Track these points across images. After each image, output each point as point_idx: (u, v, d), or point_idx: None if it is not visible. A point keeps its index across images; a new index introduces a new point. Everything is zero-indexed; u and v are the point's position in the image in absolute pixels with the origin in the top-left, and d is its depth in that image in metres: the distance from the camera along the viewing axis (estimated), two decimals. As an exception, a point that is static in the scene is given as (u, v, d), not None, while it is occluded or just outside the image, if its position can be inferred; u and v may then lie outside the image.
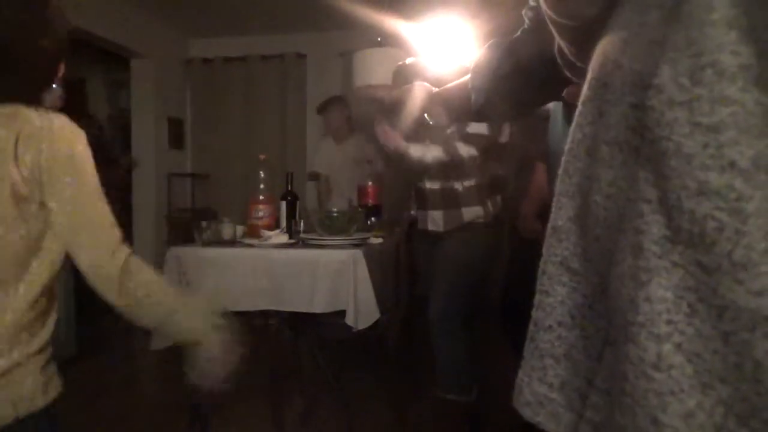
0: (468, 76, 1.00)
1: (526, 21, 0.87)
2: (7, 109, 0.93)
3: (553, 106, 1.35)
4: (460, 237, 2.42)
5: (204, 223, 2.50)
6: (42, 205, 0.92)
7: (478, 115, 1.03)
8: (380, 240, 2.54)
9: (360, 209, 2.84)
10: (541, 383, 0.57)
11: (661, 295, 0.46)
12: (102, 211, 0.99)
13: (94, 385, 2.98)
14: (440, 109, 1.16)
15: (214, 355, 1.08)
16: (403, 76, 1.31)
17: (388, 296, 2.34)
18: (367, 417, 2.55)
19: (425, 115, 1.20)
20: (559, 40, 0.68)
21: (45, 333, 0.97)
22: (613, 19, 0.56)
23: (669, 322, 0.45)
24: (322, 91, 4.93)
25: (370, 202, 2.94)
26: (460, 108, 1.05)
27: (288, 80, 5.24)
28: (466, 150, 2.36)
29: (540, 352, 0.58)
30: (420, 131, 2.41)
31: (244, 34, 5.22)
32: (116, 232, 1.00)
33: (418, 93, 1.17)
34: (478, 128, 2.35)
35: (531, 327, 0.60)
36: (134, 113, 5.03)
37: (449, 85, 1.11)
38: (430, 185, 2.48)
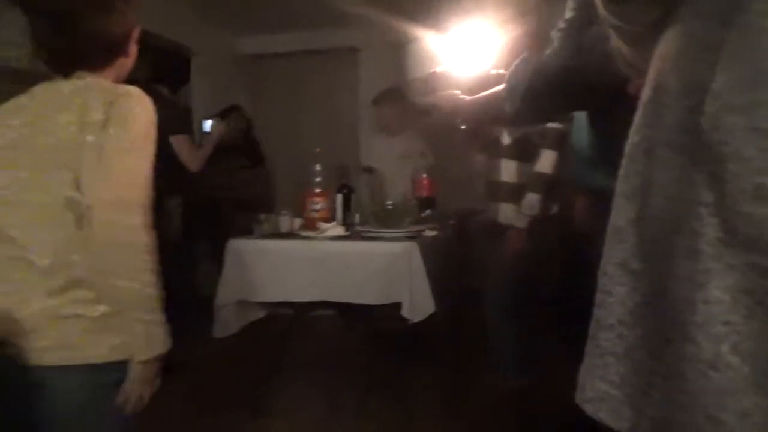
0: (500, 87, 1.11)
1: (555, 41, 0.93)
2: (82, 81, 1.04)
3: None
4: (529, 229, 2.43)
5: (262, 216, 2.57)
6: None
7: (512, 122, 1.15)
8: (434, 232, 2.55)
9: (414, 201, 2.85)
10: (602, 380, 0.59)
11: (718, 297, 0.47)
12: (127, 166, 1.01)
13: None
14: (471, 116, 1.25)
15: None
16: (434, 84, 1.38)
17: (442, 288, 2.35)
18: (421, 409, 2.57)
19: (458, 121, 1.29)
20: (617, 44, 0.68)
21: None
22: (672, 24, 0.56)
23: (726, 323, 0.46)
24: (375, 84, 4.96)
25: (425, 194, 2.94)
26: (492, 115, 1.16)
27: (340, 74, 5.29)
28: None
29: (601, 350, 0.60)
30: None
31: (296, 30, 5.29)
32: (135, 193, 1.01)
33: (450, 101, 1.25)
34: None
35: (592, 325, 0.62)
36: (195, 109, 5.20)
37: (481, 94, 1.20)
38: (506, 177, 2.48)
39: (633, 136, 0.59)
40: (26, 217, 1.01)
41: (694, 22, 0.53)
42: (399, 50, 4.75)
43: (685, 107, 0.51)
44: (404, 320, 2.18)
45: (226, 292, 2.40)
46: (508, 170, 2.51)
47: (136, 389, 1.05)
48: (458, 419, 2.48)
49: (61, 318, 0.99)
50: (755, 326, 0.45)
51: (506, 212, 2.50)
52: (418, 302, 2.17)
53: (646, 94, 0.58)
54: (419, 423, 2.44)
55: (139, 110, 1.04)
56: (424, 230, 2.52)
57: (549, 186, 2.43)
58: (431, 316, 2.19)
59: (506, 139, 2.48)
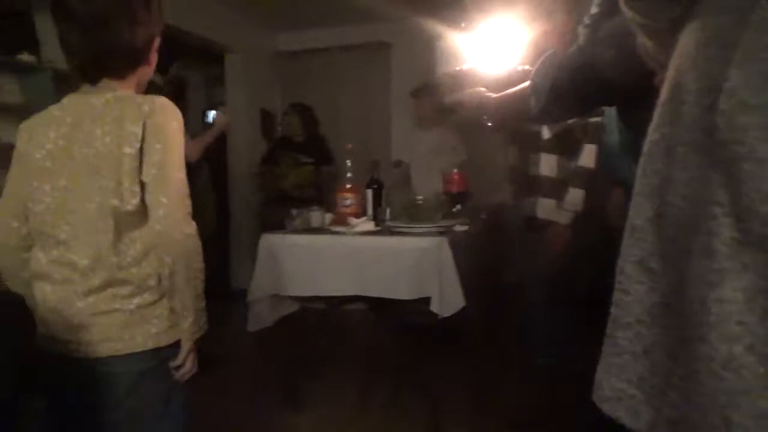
0: (525, 84, 1.11)
1: (581, 38, 0.93)
2: (115, 92, 1.13)
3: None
4: (571, 225, 2.43)
5: (294, 212, 2.60)
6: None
7: (538, 119, 1.15)
8: (465, 227, 2.54)
9: (445, 197, 2.84)
10: (619, 379, 0.58)
11: (732, 297, 0.46)
12: (180, 181, 1.12)
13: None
14: (497, 114, 1.25)
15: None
16: (460, 81, 1.38)
17: (473, 284, 2.34)
18: (450, 403, 2.57)
19: (484, 119, 1.29)
20: (642, 39, 0.68)
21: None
22: (691, 20, 0.55)
23: (740, 323, 0.45)
24: (407, 79, 4.94)
25: (455, 189, 2.93)
26: (518, 112, 1.15)
27: (372, 70, 5.30)
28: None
29: (619, 348, 0.59)
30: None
31: (329, 26, 5.32)
32: (188, 203, 1.13)
33: (475, 99, 1.25)
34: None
35: (609, 324, 0.62)
36: (229, 107, 5.28)
37: (507, 91, 1.21)
38: (546, 172, 2.46)
39: (652, 134, 0.58)
40: (67, 222, 1.09)
41: (712, 19, 0.52)
42: (430, 45, 4.73)
43: (703, 105, 0.50)
44: (434, 315, 2.18)
45: (259, 287, 2.44)
46: (548, 165, 2.48)
47: (187, 364, 1.18)
48: (488, 415, 2.48)
49: (102, 313, 1.08)
50: None
51: (546, 207, 2.47)
52: (447, 297, 2.17)
53: (665, 91, 0.58)
54: (449, 417, 2.44)
55: (176, 124, 1.13)
56: (454, 225, 2.51)
57: (591, 181, 2.40)
58: (461, 310, 2.19)
59: (546, 134, 2.45)
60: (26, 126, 1.18)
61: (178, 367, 1.17)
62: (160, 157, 1.08)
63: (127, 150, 1.06)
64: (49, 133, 1.12)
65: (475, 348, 2.66)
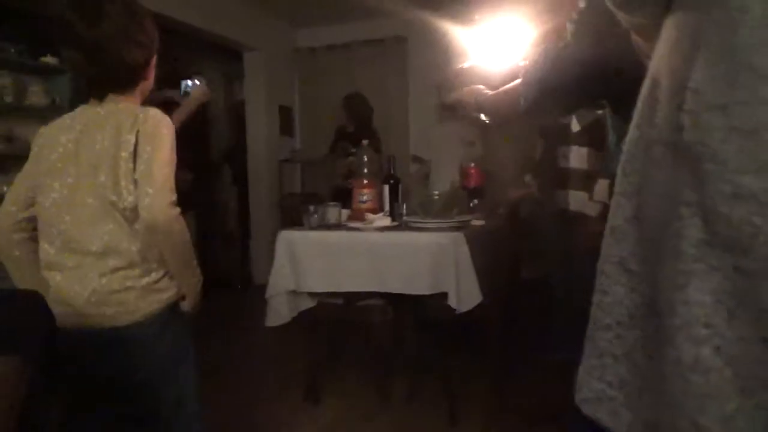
0: (517, 81, 1.13)
1: (568, 34, 0.94)
2: (118, 105, 1.31)
3: None
4: (600, 216, 2.40)
5: (311, 208, 2.62)
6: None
7: (528, 114, 1.16)
8: (482, 222, 2.53)
9: (462, 191, 2.84)
10: (600, 381, 0.58)
11: (699, 299, 0.45)
12: (166, 175, 1.26)
13: (214, 358, 3.26)
14: (492, 111, 1.27)
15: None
16: (461, 79, 1.39)
17: (490, 279, 2.33)
18: (469, 398, 2.57)
19: (482, 115, 1.31)
20: (634, 36, 0.68)
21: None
22: (669, 17, 0.55)
23: (707, 325, 0.45)
24: (424, 73, 4.93)
25: (472, 184, 2.92)
26: (512, 108, 1.16)
27: (389, 64, 5.30)
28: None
29: (599, 350, 0.59)
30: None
31: (346, 22, 5.33)
32: (173, 194, 1.27)
33: (472, 96, 1.28)
34: None
35: (590, 325, 0.61)
36: (248, 104, 5.33)
37: (502, 88, 1.23)
38: (576, 164, 2.45)
39: (632, 132, 0.57)
40: (76, 214, 1.26)
41: (684, 16, 0.51)
42: (447, 38, 4.71)
43: (673, 105, 0.49)
44: (452, 310, 2.18)
45: (277, 283, 2.47)
46: (579, 157, 2.47)
47: (192, 315, 1.40)
48: (507, 410, 2.47)
49: (117, 291, 1.25)
50: (738, 329, 0.44)
51: (578, 200, 2.46)
52: (464, 292, 2.17)
53: (644, 88, 0.57)
54: (467, 412, 2.44)
55: (165, 131, 1.29)
56: (471, 220, 2.50)
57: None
58: (480, 305, 2.19)
59: (576, 126, 2.43)
60: (43, 131, 1.36)
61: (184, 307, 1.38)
62: (148, 157, 1.24)
63: (123, 154, 1.24)
64: (60, 138, 1.30)
65: (493, 343, 2.66)
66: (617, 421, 0.55)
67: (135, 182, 1.23)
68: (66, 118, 1.34)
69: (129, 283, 1.25)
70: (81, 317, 1.24)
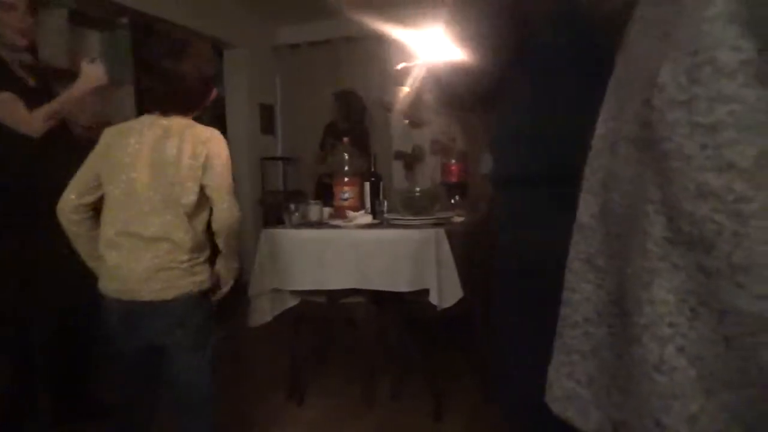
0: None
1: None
2: (182, 121, 1.63)
3: None
4: None
5: (292, 206, 2.60)
6: (202, 179, 1.59)
7: (436, 111, 1.19)
8: (463, 218, 2.54)
9: (443, 188, 2.84)
10: (569, 379, 0.57)
11: (663, 298, 0.45)
12: (231, 185, 1.65)
13: None
14: (410, 109, 1.30)
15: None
16: (399, 80, 1.41)
17: (473, 274, 2.34)
18: (453, 394, 2.58)
19: (414, 115, 1.33)
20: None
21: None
22: (636, 11, 0.54)
23: (671, 324, 0.45)
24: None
25: (454, 180, 2.92)
26: (421, 105, 1.21)
27: (372, 61, 5.28)
28: None
29: (567, 348, 0.58)
30: None
31: (328, 18, 5.30)
32: (234, 198, 1.65)
33: (397, 97, 1.29)
34: None
35: (559, 323, 0.60)
36: (228, 102, 5.28)
37: (416, 86, 1.24)
38: None
39: (599, 128, 0.57)
40: (138, 204, 1.55)
41: (651, 9, 0.51)
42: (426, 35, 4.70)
43: (641, 100, 0.49)
44: (434, 306, 2.19)
45: (259, 282, 2.45)
46: None
47: (223, 292, 1.77)
48: (491, 405, 2.49)
49: (164, 269, 1.54)
50: (701, 328, 0.43)
51: None
52: (446, 288, 2.17)
53: (611, 83, 0.56)
54: (451, 408, 2.45)
55: (225, 150, 1.65)
56: (452, 216, 2.51)
57: None
58: (462, 301, 2.19)
59: None
60: (110, 131, 1.64)
61: (218, 294, 1.75)
62: (220, 171, 1.60)
63: (193, 162, 1.56)
64: (130, 139, 1.58)
65: (476, 338, 2.67)
66: (586, 421, 0.55)
67: (202, 187, 1.58)
68: (133, 123, 1.64)
69: (174, 265, 1.55)
70: (133, 291, 1.53)
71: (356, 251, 2.32)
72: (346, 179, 2.67)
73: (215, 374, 1.70)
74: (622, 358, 0.52)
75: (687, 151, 0.44)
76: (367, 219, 2.49)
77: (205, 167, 1.57)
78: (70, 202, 1.60)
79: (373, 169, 2.71)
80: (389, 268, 2.26)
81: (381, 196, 2.66)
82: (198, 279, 1.60)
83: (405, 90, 1.30)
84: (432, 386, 2.48)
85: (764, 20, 0.41)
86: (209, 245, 1.68)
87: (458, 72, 0.96)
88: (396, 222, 2.44)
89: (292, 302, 2.58)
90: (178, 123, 1.61)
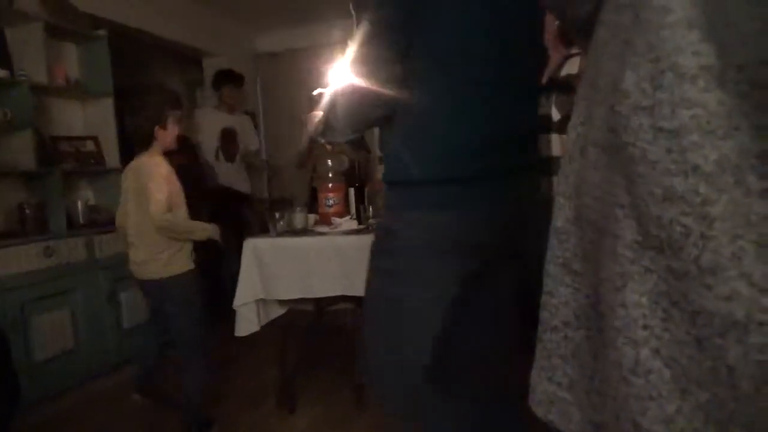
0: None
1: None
2: (141, 159, 2.32)
3: None
4: None
5: (277, 215, 2.59)
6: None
7: (326, 137, 1.44)
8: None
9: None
10: (550, 382, 0.58)
11: (636, 301, 0.45)
12: (158, 198, 2.18)
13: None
14: (314, 133, 1.49)
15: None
16: (314, 104, 1.54)
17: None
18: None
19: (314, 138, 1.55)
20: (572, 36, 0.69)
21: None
22: (601, 17, 0.55)
23: (645, 327, 0.45)
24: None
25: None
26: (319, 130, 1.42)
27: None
28: None
29: (548, 351, 0.59)
30: None
31: (307, 25, 5.30)
32: (164, 206, 2.19)
33: (309, 120, 1.48)
34: None
35: (539, 327, 0.61)
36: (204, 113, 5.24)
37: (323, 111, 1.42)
38: (558, 152, 2.48)
39: (570, 133, 0.58)
40: (130, 219, 2.34)
41: (613, 17, 0.51)
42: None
43: (607, 105, 0.49)
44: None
45: (245, 292, 2.44)
46: (560, 145, 2.50)
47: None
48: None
49: (153, 260, 2.27)
50: (674, 330, 0.44)
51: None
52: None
53: (580, 88, 0.57)
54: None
55: (157, 170, 2.24)
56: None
57: None
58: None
59: (556, 115, 2.46)
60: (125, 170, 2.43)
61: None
62: (151, 188, 2.20)
63: (140, 186, 2.25)
64: (127, 174, 2.38)
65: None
66: (568, 423, 0.56)
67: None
68: (131, 163, 2.37)
69: (158, 256, 2.26)
70: (139, 273, 2.34)
71: (342, 258, 2.31)
72: (330, 185, 2.66)
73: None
74: (598, 361, 0.52)
75: (652, 156, 0.44)
76: (352, 225, 2.49)
77: (148, 190, 2.20)
78: (121, 219, 2.49)
79: (357, 173, 2.71)
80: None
81: (366, 202, 2.66)
82: (176, 267, 2.29)
83: (318, 114, 1.37)
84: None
85: (722, 25, 0.42)
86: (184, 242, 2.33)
87: (356, 97, 1.16)
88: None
89: (280, 311, 2.57)
90: (137, 162, 2.32)
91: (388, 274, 1.19)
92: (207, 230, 2.35)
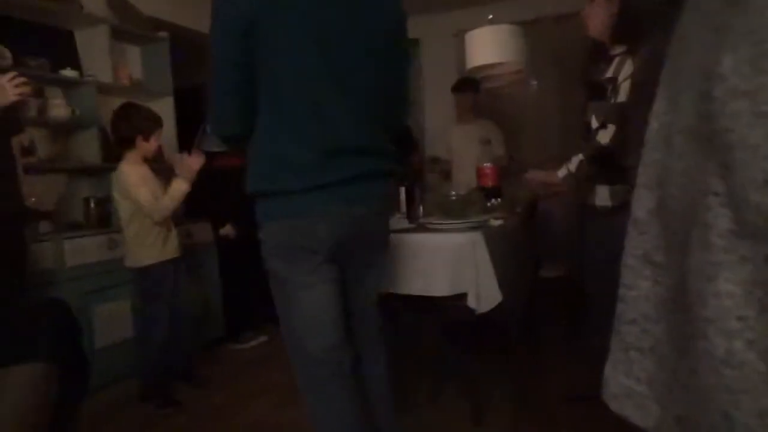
0: None
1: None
2: (121, 163, 2.76)
3: None
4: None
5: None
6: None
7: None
8: (500, 222, 2.51)
9: (479, 191, 2.82)
10: (627, 376, 0.56)
11: (730, 290, 0.44)
12: (138, 192, 2.67)
13: (234, 364, 3.36)
14: None
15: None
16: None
17: (510, 278, 2.31)
18: (492, 399, 2.55)
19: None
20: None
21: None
22: (684, 5, 0.53)
23: (740, 318, 0.43)
24: (438, 74, 4.92)
25: (490, 183, 2.90)
26: None
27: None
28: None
29: (625, 345, 0.57)
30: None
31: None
32: (153, 201, 2.68)
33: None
34: None
35: (615, 320, 0.59)
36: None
37: None
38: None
39: (652, 122, 0.56)
40: (120, 212, 2.78)
41: (701, 4, 0.50)
42: (459, 38, 4.70)
43: (699, 92, 0.48)
44: (473, 311, 2.17)
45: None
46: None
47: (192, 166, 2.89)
48: (529, 410, 2.45)
49: (137, 246, 2.76)
50: None
51: (602, 194, 2.40)
52: (484, 292, 2.15)
53: (663, 77, 0.55)
54: (490, 413, 2.43)
55: (128, 171, 2.70)
56: (488, 220, 2.49)
57: None
58: (500, 305, 2.17)
59: (595, 123, 2.37)
60: None
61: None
62: (129, 187, 2.69)
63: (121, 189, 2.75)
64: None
65: (515, 343, 2.63)
66: (645, 416, 0.54)
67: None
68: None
69: (144, 242, 2.74)
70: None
71: (392, 256, 2.31)
72: (381, 184, 2.67)
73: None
74: (683, 354, 0.50)
75: (752, 141, 0.42)
76: (403, 223, 2.49)
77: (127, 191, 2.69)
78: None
79: (408, 173, 2.71)
80: (425, 272, 2.25)
81: (416, 201, 2.65)
82: (145, 260, 2.74)
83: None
84: (470, 392, 2.46)
85: None
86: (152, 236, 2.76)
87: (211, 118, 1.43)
88: (432, 226, 2.43)
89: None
90: (118, 170, 2.73)
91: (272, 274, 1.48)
92: (181, 184, 2.71)
